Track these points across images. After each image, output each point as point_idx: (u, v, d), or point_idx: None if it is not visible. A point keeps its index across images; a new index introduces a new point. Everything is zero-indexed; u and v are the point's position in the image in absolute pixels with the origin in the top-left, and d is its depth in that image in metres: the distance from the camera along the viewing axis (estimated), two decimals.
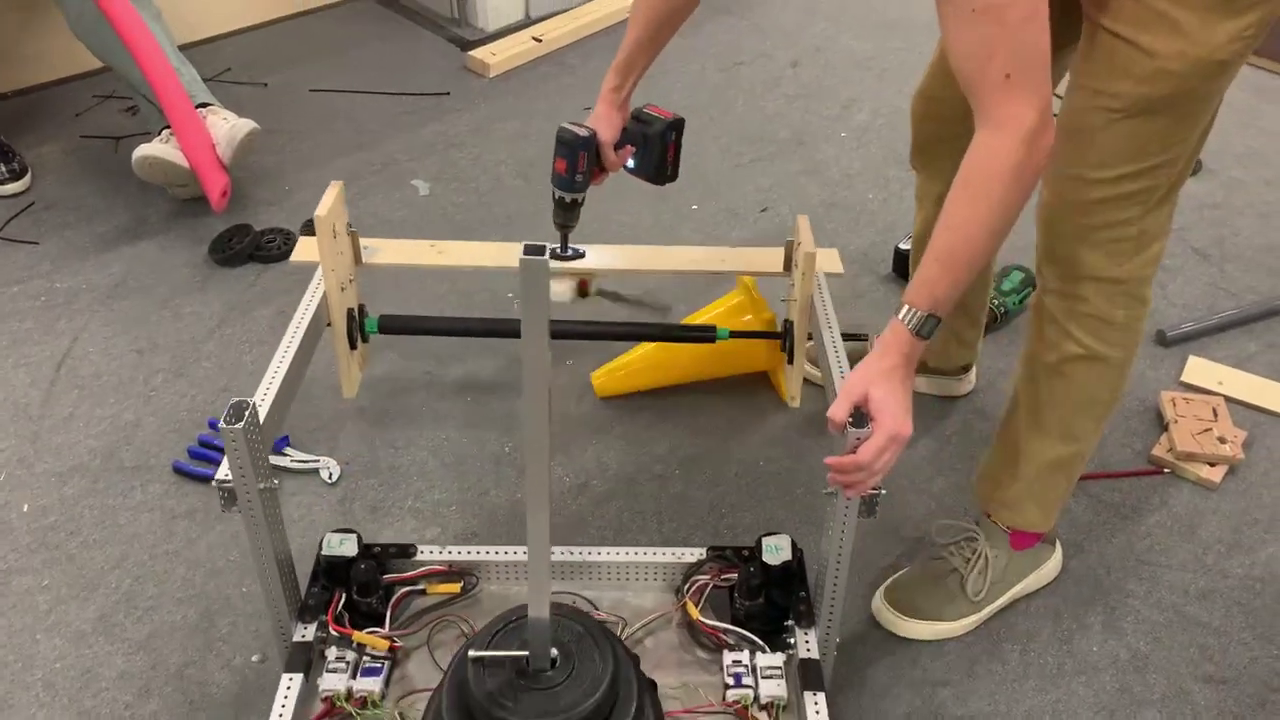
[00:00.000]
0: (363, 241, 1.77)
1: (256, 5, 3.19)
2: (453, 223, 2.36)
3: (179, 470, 1.75)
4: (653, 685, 1.26)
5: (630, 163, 1.46)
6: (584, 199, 1.48)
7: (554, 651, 1.12)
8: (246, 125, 2.26)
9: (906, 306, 1.13)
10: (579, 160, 1.41)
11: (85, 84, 2.84)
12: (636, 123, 1.43)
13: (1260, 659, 1.52)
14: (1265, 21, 1.12)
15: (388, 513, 1.72)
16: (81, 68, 2.83)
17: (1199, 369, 1.99)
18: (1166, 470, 1.79)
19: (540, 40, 3.05)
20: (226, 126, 2.25)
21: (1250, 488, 1.77)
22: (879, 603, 1.57)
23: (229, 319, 2.08)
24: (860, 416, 1.14)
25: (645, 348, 1.93)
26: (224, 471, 1.23)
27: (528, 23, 3.22)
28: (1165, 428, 1.85)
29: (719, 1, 3.39)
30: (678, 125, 1.44)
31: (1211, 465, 1.78)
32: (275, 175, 2.45)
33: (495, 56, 2.96)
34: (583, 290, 2.05)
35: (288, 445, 1.79)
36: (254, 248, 2.23)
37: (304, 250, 1.82)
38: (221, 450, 1.73)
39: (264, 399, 1.34)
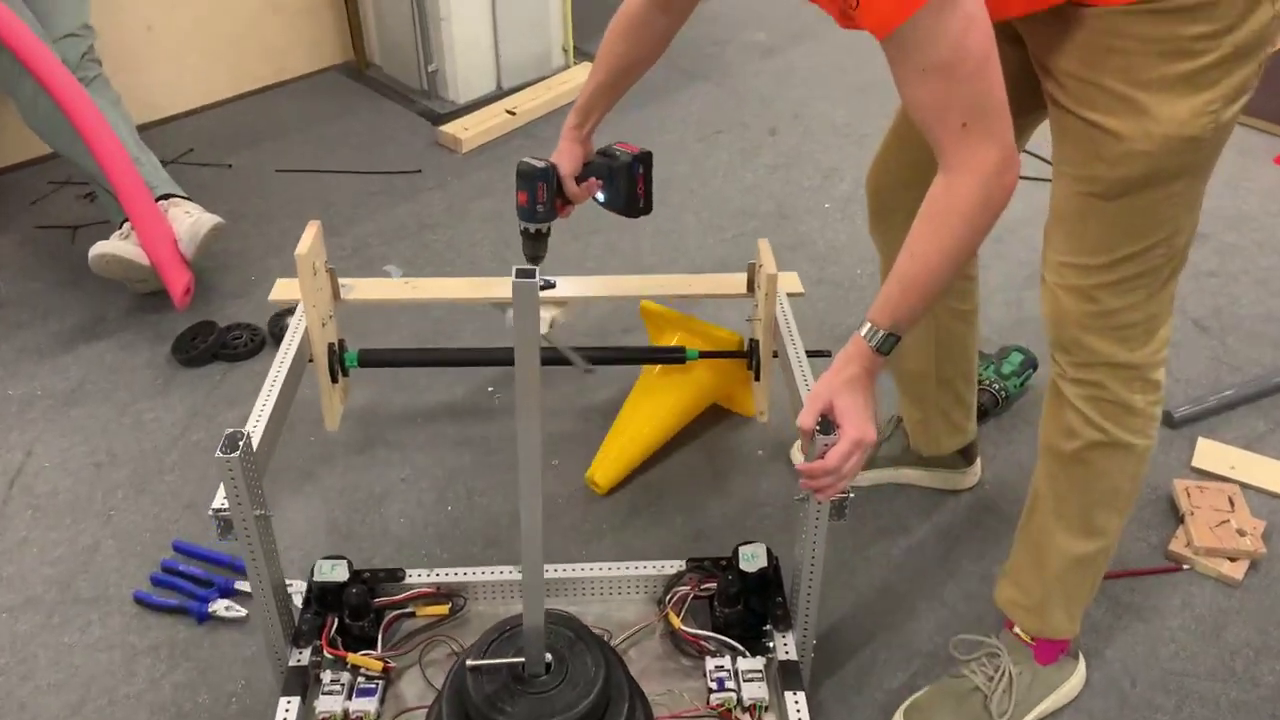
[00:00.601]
0: (341, 281, 1.82)
1: (220, 82, 3.11)
2: (425, 311, 2.27)
3: (141, 600, 1.64)
4: (642, 692, 1.29)
5: (600, 196, 1.50)
6: (549, 229, 1.51)
7: (548, 657, 1.16)
8: (209, 220, 2.17)
9: (869, 324, 1.17)
10: (538, 191, 1.45)
11: (41, 169, 2.74)
12: (603, 157, 1.48)
13: None
14: (1232, 95, 1.11)
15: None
16: (36, 152, 2.73)
17: (1210, 452, 1.92)
18: (1186, 566, 1.72)
19: (514, 113, 2.98)
20: (189, 221, 2.15)
21: (1274, 583, 1.69)
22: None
23: (193, 425, 1.97)
24: (827, 424, 1.20)
25: (623, 426, 1.90)
26: (220, 501, 1.28)
27: (499, 94, 3.15)
28: (1181, 519, 1.77)
29: (695, 68, 3.34)
30: (645, 159, 1.47)
31: (1232, 560, 1.70)
32: (240, 265, 2.35)
33: (468, 131, 2.88)
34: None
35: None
36: (219, 346, 2.12)
37: (283, 290, 1.84)
38: (187, 577, 1.66)
39: (255, 428, 1.39)
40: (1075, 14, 1.12)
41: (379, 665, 1.39)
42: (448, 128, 2.91)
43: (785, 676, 1.38)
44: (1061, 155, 1.22)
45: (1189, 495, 1.80)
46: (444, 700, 1.18)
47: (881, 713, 1.50)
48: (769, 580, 1.46)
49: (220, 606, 1.61)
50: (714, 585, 1.47)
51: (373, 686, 1.38)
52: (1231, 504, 1.78)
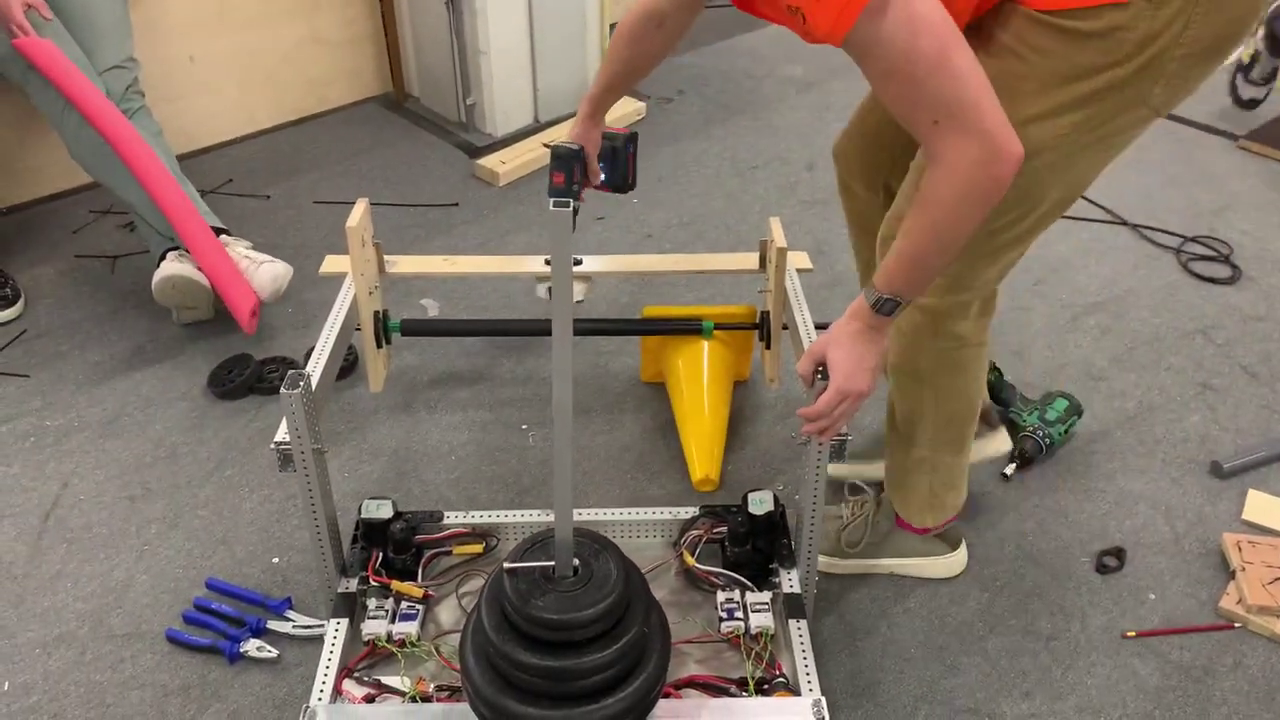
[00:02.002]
0: (385, 256, 1.98)
1: (260, 112, 3.13)
2: (462, 344, 2.26)
3: (173, 639, 1.62)
4: (660, 609, 1.37)
5: (601, 176, 1.65)
6: (579, 208, 1.62)
7: (575, 562, 1.25)
8: (287, 271, 2.25)
9: (871, 286, 1.28)
10: (574, 171, 1.55)
11: (81, 198, 2.76)
12: (604, 139, 1.62)
13: None
14: (1097, 124, 1.24)
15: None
16: (76, 181, 2.75)
17: (1260, 505, 1.87)
18: (1238, 625, 1.67)
19: (550, 146, 2.97)
20: (266, 273, 2.21)
21: None
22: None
23: (227, 460, 1.97)
24: (826, 374, 1.34)
25: (693, 426, 1.97)
26: (281, 434, 1.44)
27: (537, 127, 3.15)
28: (1232, 575, 1.72)
29: (733, 103, 3.33)
30: (634, 138, 1.64)
31: None
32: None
33: (505, 165, 2.89)
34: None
35: (290, 608, 1.67)
36: (255, 379, 2.12)
37: (334, 263, 2.02)
38: (219, 615, 1.65)
39: (314, 370, 1.54)
40: (998, 13, 1.23)
41: (420, 592, 1.54)
42: (485, 161, 2.91)
43: (790, 607, 1.54)
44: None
45: (1240, 550, 1.75)
46: (483, 600, 1.27)
47: None
48: (775, 523, 1.61)
49: (252, 647, 1.60)
50: (725, 529, 1.61)
51: (413, 612, 1.52)
52: None
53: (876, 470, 1.78)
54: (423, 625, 1.53)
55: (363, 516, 1.60)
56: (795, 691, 1.43)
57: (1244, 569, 1.71)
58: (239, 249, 2.23)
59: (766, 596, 1.55)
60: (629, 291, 2.44)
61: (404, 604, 1.53)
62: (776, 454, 1.99)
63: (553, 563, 1.25)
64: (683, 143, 3.08)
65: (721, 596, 1.55)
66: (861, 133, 1.67)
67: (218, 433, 2.03)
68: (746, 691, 1.43)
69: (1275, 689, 1.57)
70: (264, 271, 2.20)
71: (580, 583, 1.23)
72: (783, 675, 1.46)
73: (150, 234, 2.27)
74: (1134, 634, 1.65)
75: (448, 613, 1.58)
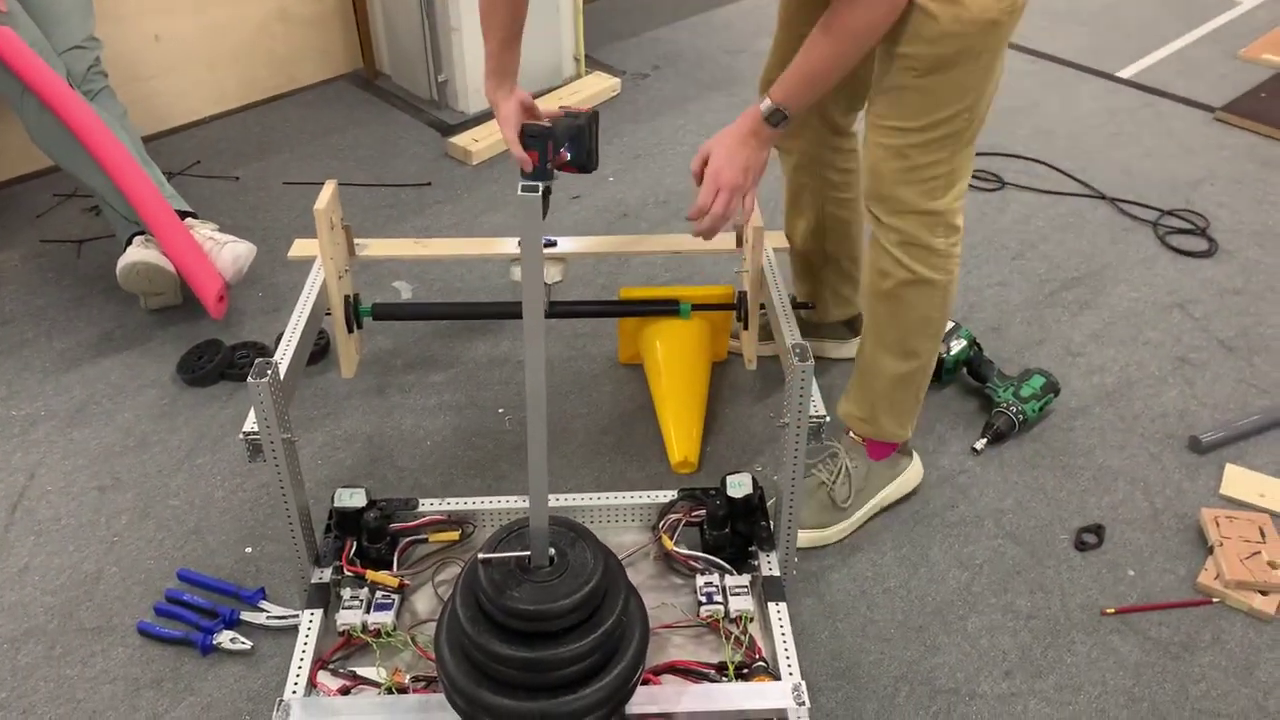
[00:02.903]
0: (355, 240, 1.94)
1: (227, 92, 3.07)
2: (435, 327, 2.23)
3: (144, 631, 1.60)
4: (638, 595, 1.36)
5: (568, 155, 1.62)
6: (551, 188, 1.63)
7: (551, 551, 1.24)
8: (250, 251, 2.22)
9: (766, 97, 1.46)
10: (548, 149, 1.55)
11: (45, 182, 2.70)
12: (568, 119, 1.59)
13: None
14: None
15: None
16: (39, 165, 2.69)
17: (1238, 479, 1.87)
18: (1216, 600, 1.67)
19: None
20: (228, 253, 2.18)
21: None
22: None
23: (199, 449, 1.93)
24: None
25: (671, 407, 1.96)
26: (250, 424, 1.43)
27: None
28: (1210, 550, 1.72)
29: (708, 79, 3.30)
30: (596, 117, 1.62)
31: (1264, 594, 1.65)
32: (246, 281, 2.30)
33: (478, 143, 2.84)
34: None
35: (263, 599, 1.64)
36: (225, 365, 2.09)
37: (303, 247, 1.96)
38: (191, 607, 1.62)
39: (283, 359, 1.55)
40: None
41: (395, 582, 1.52)
42: (458, 139, 2.87)
43: (769, 590, 1.53)
44: (890, 36, 1.40)
45: (1218, 525, 1.75)
46: (458, 590, 1.25)
47: None
48: (754, 506, 1.60)
49: (225, 639, 1.57)
50: (704, 512, 1.60)
51: (389, 601, 1.50)
52: (1262, 534, 1.73)
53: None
54: (398, 615, 1.50)
55: (336, 505, 1.57)
56: (775, 675, 1.42)
57: (1222, 544, 1.71)
58: (204, 231, 2.19)
59: (745, 580, 1.54)
60: (605, 272, 2.41)
61: (379, 594, 1.51)
62: (755, 435, 1.97)
63: (528, 552, 1.23)
64: (659, 119, 3.05)
65: (700, 580, 1.54)
66: (783, 59, 1.68)
67: (188, 420, 2.00)
68: (726, 676, 1.42)
69: (1253, 663, 1.58)
70: (226, 252, 2.17)
71: (556, 572, 1.22)
72: (763, 659, 1.45)
73: (116, 219, 2.23)
74: (1113, 611, 1.65)
75: (424, 602, 1.56)
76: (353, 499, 1.57)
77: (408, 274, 2.38)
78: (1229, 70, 3.36)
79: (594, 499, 1.67)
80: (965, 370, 2.07)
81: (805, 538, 1.72)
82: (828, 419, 1.50)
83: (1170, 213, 2.63)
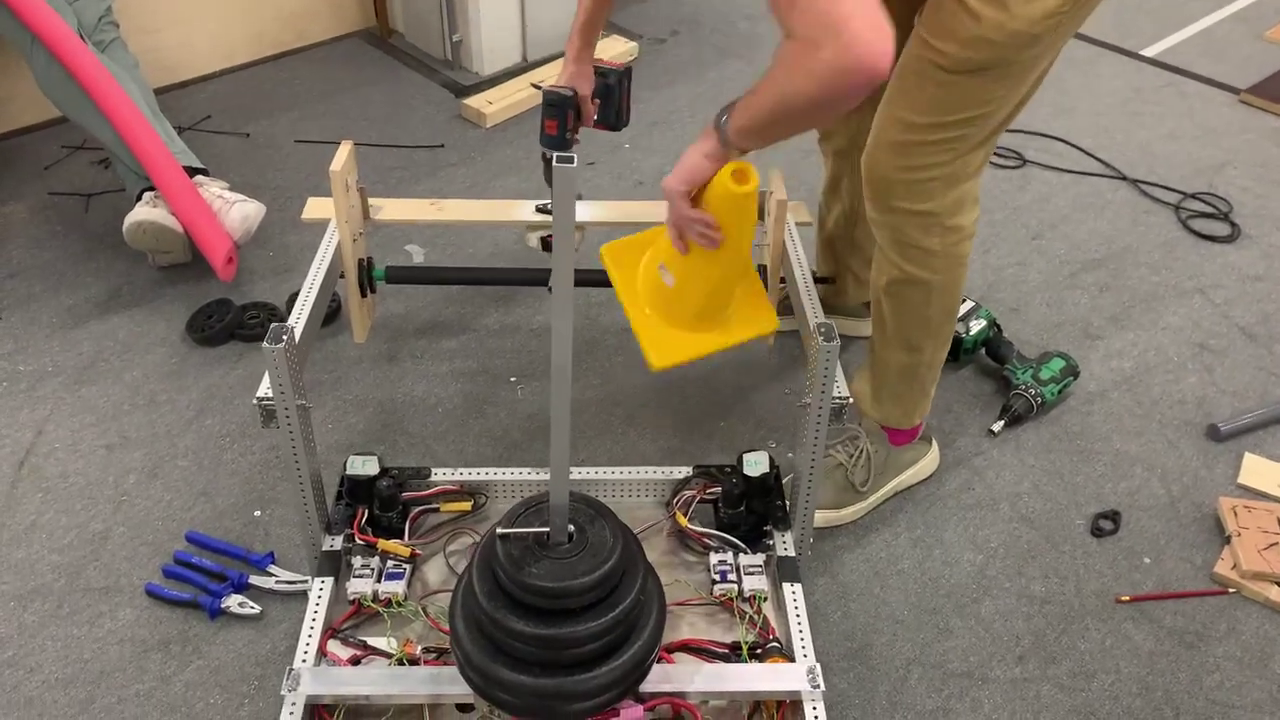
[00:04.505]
0: (370, 201, 1.90)
1: (238, 46, 3.02)
2: (448, 292, 2.20)
3: (152, 593, 1.59)
4: (655, 573, 1.33)
5: (595, 115, 1.60)
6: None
7: (570, 528, 1.21)
8: (259, 210, 2.17)
9: (725, 107, 1.25)
10: (567, 118, 1.52)
11: (53, 133, 2.66)
12: (599, 76, 1.56)
13: None
14: (1079, 3, 1.26)
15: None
16: (47, 115, 2.64)
17: (1256, 469, 1.85)
18: (1232, 590, 1.66)
19: (539, 87, 2.89)
20: (237, 213, 2.13)
21: None
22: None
23: (208, 408, 1.91)
24: None
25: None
26: (264, 389, 1.39)
27: (525, 67, 3.06)
28: (1227, 540, 1.71)
29: (727, 45, 3.25)
30: (629, 73, 1.58)
31: None
32: (257, 240, 2.27)
33: (491, 105, 2.80)
34: (550, 247, 1.94)
35: (273, 563, 1.63)
36: (235, 325, 2.06)
37: (316, 208, 1.92)
38: (200, 570, 1.61)
39: (297, 324, 1.50)
40: None
41: (406, 551, 1.50)
42: (471, 101, 2.83)
43: (783, 570, 1.50)
44: (923, 21, 1.32)
45: (1236, 515, 1.73)
46: (474, 564, 1.23)
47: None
48: (770, 485, 1.56)
49: (234, 603, 1.56)
50: (719, 490, 1.57)
51: (400, 571, 1.48)
52: None
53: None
54: (409, 585, 1.49)
55: (348, 473, 1.55)
56: (789, 657, 1.40)
57: (1239, 534, 1.70)
58: (213, 190, 2.16)
59: (760, 559, 1.52)
60: (624, 230, 2.34)
61: (390, 563, 1.49)
62: (771, 412, 1.95)
63: (547, 528, 1.21)
64: (676, 86, 3.00)
65: (714, 559, 1.52)
66: None
67: (198, 380, 1.97)
68: (740, 656, 1.40)
69: (1269, 655, 1.57)
70: (235, 211, 2.13)
71: (575, 549, 1.20)
72: (776, 640, 1.43)
73: (126, 173, 2.19)
74: (1128, 598, 1.64)
75: (435, 572, 1.54)
76: (365, 466, 1.55)
77: (420, 238, 2.35)
78: (1254, 51, 3.31)
79: (607, 473, 1.64)
80: (984, 351, 2.05)
81: (820, 517, 1.70)
82: (851, 401, 1.47)
83: (1193, 196, 2.59)
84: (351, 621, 1.45)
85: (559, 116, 1.57)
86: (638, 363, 1.98)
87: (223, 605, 1.56)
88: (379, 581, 1.46)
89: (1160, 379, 2.06)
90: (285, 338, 1.32)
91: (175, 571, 1.61)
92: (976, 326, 2.03)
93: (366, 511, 1.55)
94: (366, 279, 1.87)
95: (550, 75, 2.94)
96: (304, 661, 1.36)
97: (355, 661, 1.38)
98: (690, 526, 1.56)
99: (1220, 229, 2.49)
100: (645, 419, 1.93)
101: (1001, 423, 1.91)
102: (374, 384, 1.99)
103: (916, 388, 1.69)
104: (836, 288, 2.02)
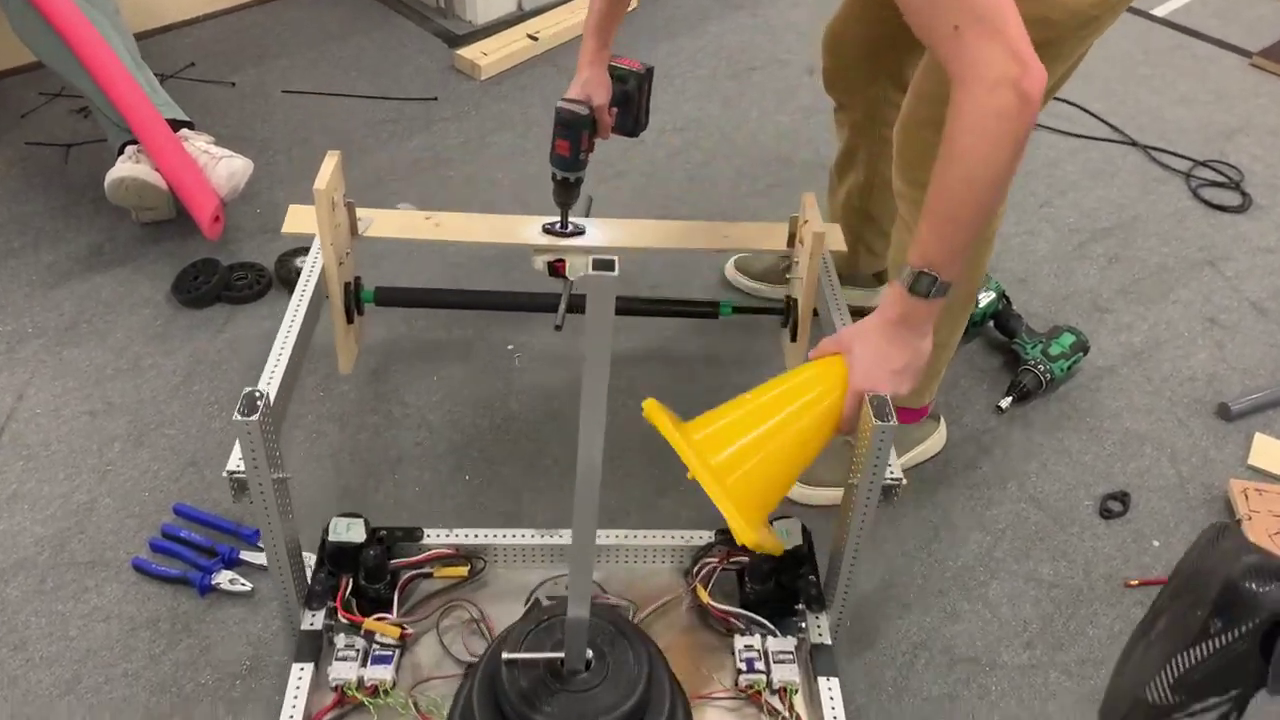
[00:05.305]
0: (358, 212, 1.70)
1: None
2: (442, 253, 2.14)
3: (140, 568, 1.54)
4: (682, 688, 1.22)
5: (613, 124, 1.48)
6: (582, 178, 1.50)
7: (589, 653, 1.09)
8: (247, 167, 2.09)
9: (905, 263, 1.15)
10: (581, 139, 1.39)
11: (30, 78, 2.55)
12: (615, 81, 1.44)
13: None
14: None
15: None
16: (23, 59, 2.53)
17: (1267, 449, 1.83)
18: None
19: (535, 38, 2.81)
20: (224, 170, 2.05)
21: None
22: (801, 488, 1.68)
23: (195, 373, 1.85)
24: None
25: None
26: (235, 463, 1.24)
27: (521, 16, 2.97)
28: (1238, 524, 1.69)
29: None
30: (650, 75, 1.46)
31: None
32: (244, 197, 2.19)
33: (486, 57, 2.71)
34: (557, 272, 1.71)
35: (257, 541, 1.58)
36: (223, 286, 1.99)
37: (297, 221, 1.71)
38: (188, 544, 1.56)
39: (271, 384, 1.34)
40: None
41: (396, 632, 1.33)
42: (465, 52, 2.73)
43: (818, 660, 1.35)
44: None
45: (1246, 498, 1.71)
46: (475, 690, 1.11)
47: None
48: (802, 558, 1.42)
49: (224, 579, 1.52)
50: (743, 558, 1.41)
51: (389, 654, 1.32)
52: None
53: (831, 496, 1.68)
54: (398, 669, 1.32)
55: (330, 538, 1.38)
56: None
57: (1250, 518, 1.67)
58: (198, 144, 2.08)
59: (790, 644, 1.35)
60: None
61: (377, 643, 1.33)
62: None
63: (561, 654, 1.08)
64: (677, 39, 2.91)
65: (740, 643, 1.35)
66: (853, 12, 1.59)
67: (184, 343, 1.91)
68: None
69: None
70: (222, 167, 2.05)
71: (595, 679, 1.07)
72: None
73: (107, 125, 2.10)
74: (1137, 582, 1.61)
75: (428, 653, 1.36)
76: (350, 532, 1.39)
77: (412, 195, 2.28)
78: (1268, 11, 3.24)
79: (619, 537, 1.47)
80: (992, 324, 2.00)
81: (827, 495, 1.66)
82: (904, 482, 1.30)
83: (1204, 163, 2.54)
84: (334, 714, 1.28)
85: (572, 137, 1.42)
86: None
87: (213, 581, 1.51)
88: (364, 665, 1.30)
89: (1170, 355, 2.02)
90: (260, 407, 1.16)
91: (163, 546, 1.56)
92: (985, 299, 1.98)
93: (350, 581, 1.37)
94: (355, 302, 1.70)
95: (547, 26, 2.88)
96: None
97: None
98: (714, 605, 1.38)
99: (1231, 199, 2.44)
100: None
101: (1010, 399, 1.87)
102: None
103: (930, 369, 1.63)
104: (848, 259, 1.96)
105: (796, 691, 1.31)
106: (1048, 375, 1.89)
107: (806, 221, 1.65)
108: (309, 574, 1.40)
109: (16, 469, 1.68)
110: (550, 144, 1.50)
